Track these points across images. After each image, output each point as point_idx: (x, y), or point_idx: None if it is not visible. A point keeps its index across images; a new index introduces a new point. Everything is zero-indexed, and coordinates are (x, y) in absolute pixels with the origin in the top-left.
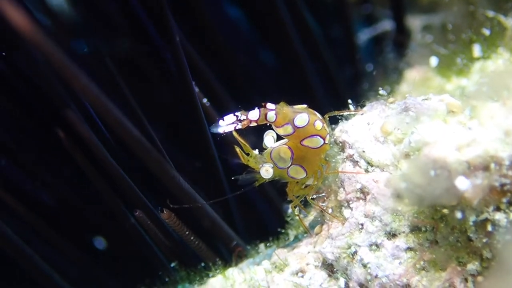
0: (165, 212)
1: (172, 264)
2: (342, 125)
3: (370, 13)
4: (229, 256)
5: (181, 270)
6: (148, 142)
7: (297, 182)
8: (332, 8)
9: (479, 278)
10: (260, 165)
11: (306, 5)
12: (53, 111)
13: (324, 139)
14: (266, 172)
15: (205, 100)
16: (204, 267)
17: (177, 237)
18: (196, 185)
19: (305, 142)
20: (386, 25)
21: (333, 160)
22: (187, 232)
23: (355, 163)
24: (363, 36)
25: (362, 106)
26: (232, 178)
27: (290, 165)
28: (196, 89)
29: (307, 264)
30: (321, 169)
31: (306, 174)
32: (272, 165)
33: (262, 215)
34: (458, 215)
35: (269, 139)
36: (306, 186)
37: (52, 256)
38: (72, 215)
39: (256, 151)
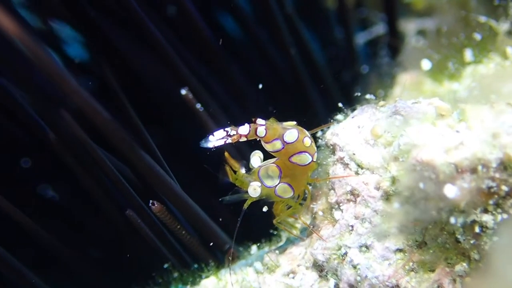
0: (156, 205)
1: (165, 265)
2: (333, 128)
3: (365, 17)
4: (221, 257)
5: (174, 271)
6: (140, 148)
7: (284, 202)
8: (328, 11)
9: (467, 279)
10: (249, 184)
11: (303, 9)
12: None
13: (312, 157)
14: (254, 191)
15: (198, 106)
16: (197, 268)
17: (169, 234)
18: (188, 189)
19: (293, 159)
20: (380, 28)
21: (324, 162)
22: (178, 226)
23: (346, 165)
24: (359, 39)
25: (354, 110)
26: (220, 199)
27: (278, 183)
28: (190, 95)
29: (298, 266)
30: (308, 188)
31: (293, 193)
32: (260, 184)
33: (254, 217)
34: (452, 220)
35: (255, 159)
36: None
37: (44, 257)
38: (64, 216)
39: (243, 170)
